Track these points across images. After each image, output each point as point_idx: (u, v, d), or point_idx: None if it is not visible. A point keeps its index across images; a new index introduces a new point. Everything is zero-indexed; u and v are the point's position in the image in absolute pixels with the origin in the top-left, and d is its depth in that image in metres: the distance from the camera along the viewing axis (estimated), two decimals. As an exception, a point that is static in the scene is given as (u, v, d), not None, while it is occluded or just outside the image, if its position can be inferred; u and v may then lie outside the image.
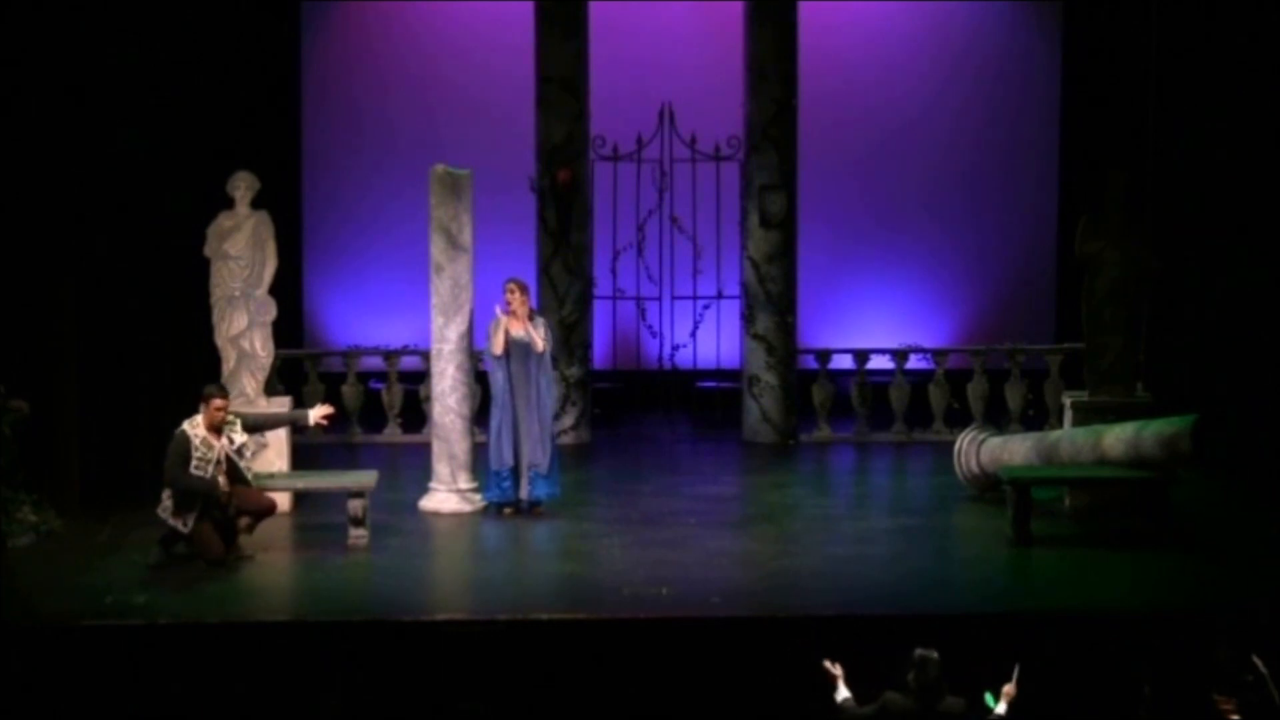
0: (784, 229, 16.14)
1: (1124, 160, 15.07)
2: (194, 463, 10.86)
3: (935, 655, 8.02)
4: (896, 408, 16.22)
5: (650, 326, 16.99)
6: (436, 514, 12.65)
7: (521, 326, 12.49)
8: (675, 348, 16.93)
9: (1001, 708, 8.21)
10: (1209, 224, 14.83)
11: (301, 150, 17.91)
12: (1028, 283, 18.23)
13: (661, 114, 16.59)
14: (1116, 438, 11.89)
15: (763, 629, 9.67)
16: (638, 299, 16.87)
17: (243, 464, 11.19)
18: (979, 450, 13.17)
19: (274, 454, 12.59)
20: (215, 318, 12.71)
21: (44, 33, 12.28)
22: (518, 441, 12.53)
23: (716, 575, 10.82)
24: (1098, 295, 12.78)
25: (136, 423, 12.98)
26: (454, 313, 12.73)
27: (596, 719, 9.23)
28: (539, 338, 12.50)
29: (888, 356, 16.48)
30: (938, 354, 16.47)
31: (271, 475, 12.17)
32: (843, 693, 8.29)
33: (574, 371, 16.02)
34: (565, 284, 16.00)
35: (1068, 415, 12.97)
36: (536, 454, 12.53)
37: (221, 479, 11.01)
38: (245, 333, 12.70)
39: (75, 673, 9.21)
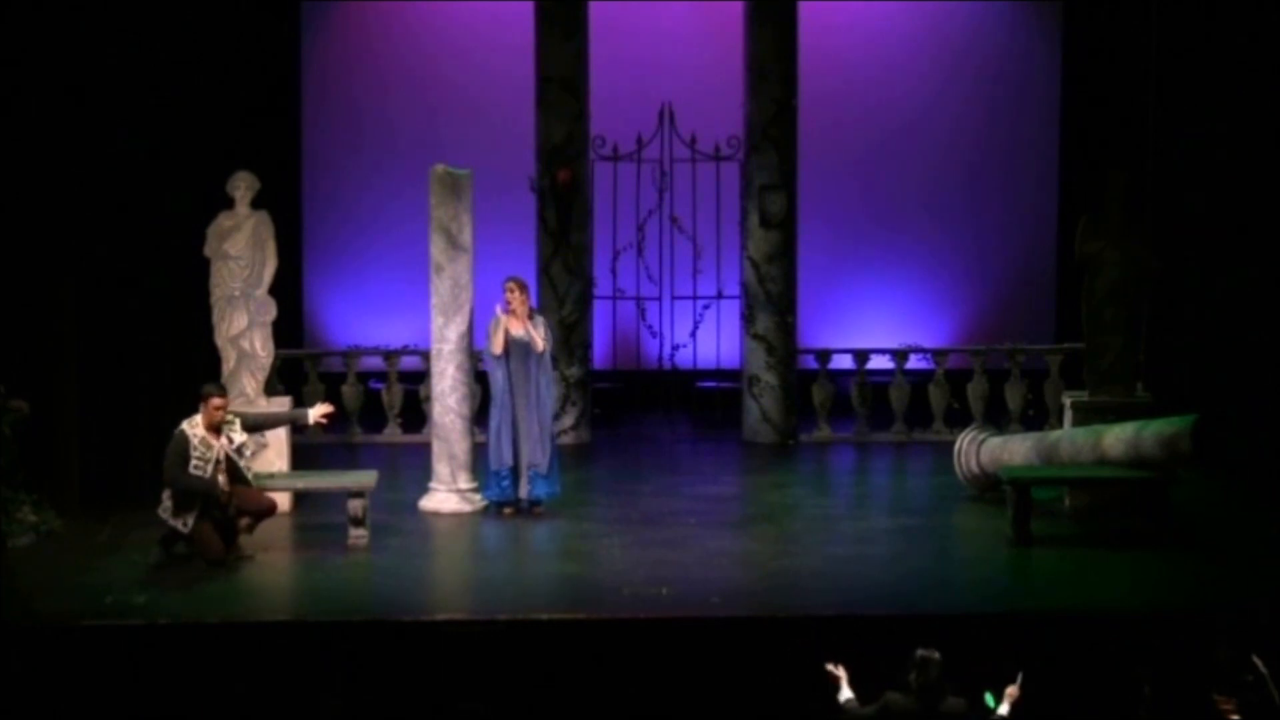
0: (784, 229, 16.14)
1: (1124, 160, 15.08)
2: (193, 462, 10.86)
3: (937, 656, 8.02)
4: (896, 408, 16.22)
5: (650, 326, 16.99)
6: (436, 514, 12.65)
7: (521, 326, 12.49)
8: (675, 348, 16.93)
9: (1004, 709, 8.21)
10: (1209, 224, 14.83)
11: (301, 150, 17.90)
12: (1028, 283, 18.23)
13: (661, 114, 16.59)
14: (1116, 438, 11.89)
15: (763, 629, 9.67)
16: (638, 299, 16.87)
17: (243, 464, 11.19)
18: (979, 450, 13.17)
19: (274, 454, 12.59)
20: (215, 318, 12.71)
21: (44, 33, 12.27)
22: (517, 441, 12.52)
23: (716, 575, 10.82)
24: (1098, 295, 12.78)
25: (136, 423, 12.97)
26: (454, 313, 12.73)
27: (596, 719, 9.23)
28: (539, 337, 12.49)
29: (888, 356, 16.48)
30: (938, 354, 16.47)
31: (271, 475, 12.17)
32: (845, 693, 8.29)
33: (574, 371, 16.02)
34: (565, 284, 16.00)
35: (1068, 415, 12.97)
36: (536, 454, 12.52)
37: (222, 479, 11.01)
38: (245, 333, 12.70)
39: (75, 673, 9.20)
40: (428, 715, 9.11)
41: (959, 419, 15.67)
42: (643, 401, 17.28)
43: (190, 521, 10.87)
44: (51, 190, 12.34)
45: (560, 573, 11.06)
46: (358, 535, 11.61)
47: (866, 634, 9.35)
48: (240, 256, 12.65)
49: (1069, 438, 12.46)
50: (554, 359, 13.52)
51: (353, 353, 16.50)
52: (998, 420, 15.55)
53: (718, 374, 17.13)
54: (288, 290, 14.53)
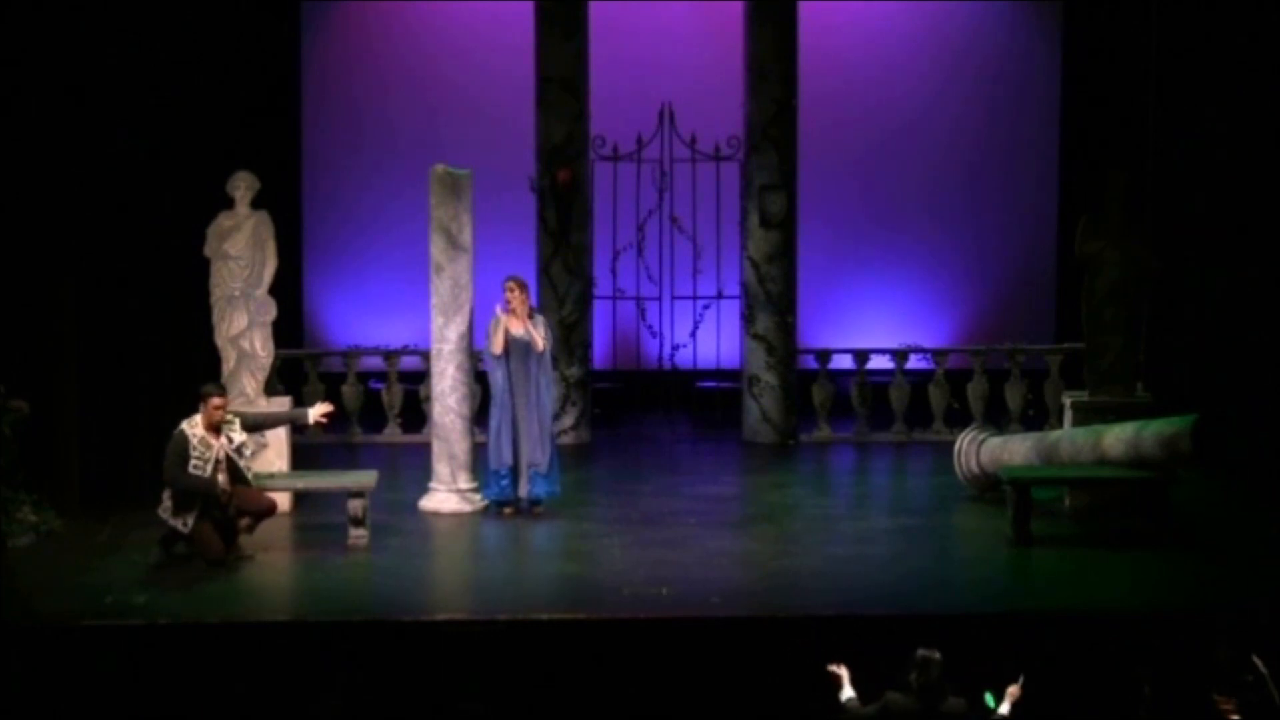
0: (784, 229, 16.14)
1: (1124, 160, 15.08)
2: (192, 462, 10.86)
3: (938, 656, 8.03)
4: (896, 408, 16.22)
5: (650, 326, 16.99)
6: (436, 514, 12.65)
7: (521, 325, 12.49)
8: (675, 348, 16.93)
9: (1005, 708, 8.21)
10: (1209, 224, 14.83)
11: (301, 150, 17.90)
12: (1028, 283, 18.23)
13: (661, 114, 16.59)
14: (1116, 438, 11.89)
15: (763, 629, 9.66)
16: (638, 299, 16.87)
17: (243, 464, 11.19)
18: (979, 450, 13.17)
19: (274, 454, 12.59)
20: (215, 318, 12.71)
21: (44, 33, 12.27)
22: (517, 441, 12.52)
23: (716, 575, 10.82)
24: (1098, 295, 12.78)
25: (136, 423, 12.97)
26: (454, 313, 12.73)
27: (596, 719, 9.23)
28: (539, 336, 12.49)
29: (888, 356, 16.47)
30: (938, 354, 16.47)
31: (271, 475, 12.17)
32: (847, 693, 8.30)
33: (574, 371, 16.02)
34: (565, 284, 16.00)
35: (1068, 415, 12.97)
36: (536, 453, 12.52)
37: (221, 479, 11.01)
38: (245, 333, 12.70)
39: (75, 673, 9.20)
40: (428, 715, 9.10)
41: (959, 419, 15.67)
42: (643, 401, 17.28)
43: (190, 521, 10.87)
44: (51, 190, 12.34)
45: (560, 573, 11.06)
46: (358, 535, 11.61)
47: (867, 634, 9.34)
48: (240, 256, 12.65)
49: (1069, 438, 12.46)
50: (554, 359, 13.52)
51: (353, 353, 16.50)
52: (998, 420, 15.55)
53: (718, 374, 17.13)
54: (288, 290, 14.53)
